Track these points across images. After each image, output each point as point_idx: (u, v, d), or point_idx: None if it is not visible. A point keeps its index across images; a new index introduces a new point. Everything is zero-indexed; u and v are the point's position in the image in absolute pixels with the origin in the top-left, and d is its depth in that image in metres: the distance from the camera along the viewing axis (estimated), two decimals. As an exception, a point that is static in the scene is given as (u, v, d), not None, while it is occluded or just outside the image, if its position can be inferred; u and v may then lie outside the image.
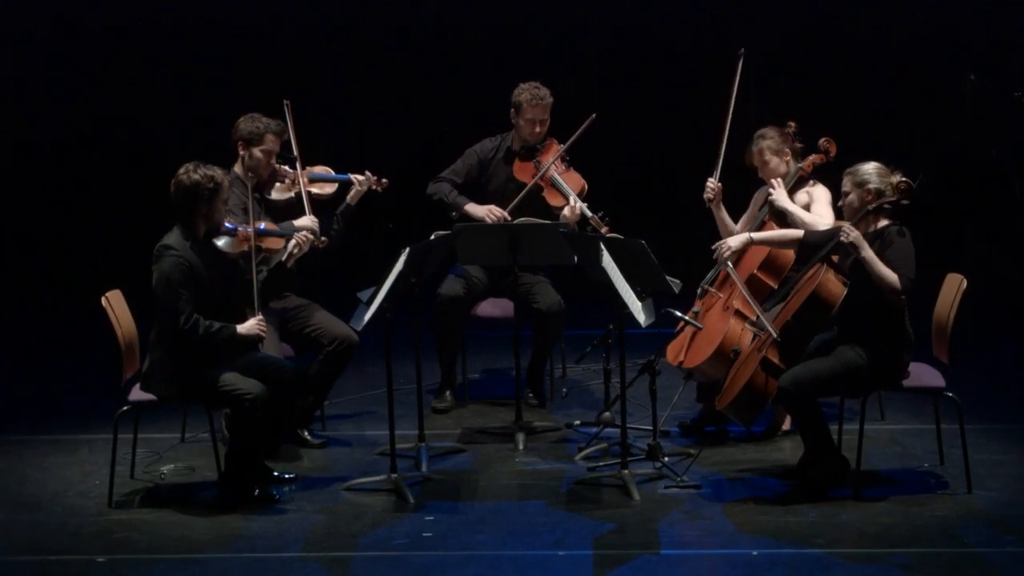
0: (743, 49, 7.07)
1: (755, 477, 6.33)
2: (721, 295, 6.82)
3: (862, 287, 5.96)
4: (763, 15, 10.03)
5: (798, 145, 6.89)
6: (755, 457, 6.60)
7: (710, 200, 6.95)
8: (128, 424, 6.36)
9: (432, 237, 6.64)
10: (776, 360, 6.09)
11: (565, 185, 7.31)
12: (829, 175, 6.64)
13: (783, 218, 6.74)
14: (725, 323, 6.62)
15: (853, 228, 5.96)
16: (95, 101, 10.17)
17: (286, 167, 6.93)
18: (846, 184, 6.10)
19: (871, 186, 6.03)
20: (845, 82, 9.97)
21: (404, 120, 10.11)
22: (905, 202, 6.04)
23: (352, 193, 6.99)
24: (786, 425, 6.85)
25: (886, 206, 6.04)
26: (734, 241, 6.55)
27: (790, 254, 6.60)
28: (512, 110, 7.43)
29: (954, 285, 6.21)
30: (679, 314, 6.41)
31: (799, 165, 6.84)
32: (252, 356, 6.21)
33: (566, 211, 7.23)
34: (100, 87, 10.17)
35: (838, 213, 6.41)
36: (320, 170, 7.05)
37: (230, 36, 10.15)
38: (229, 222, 6.33)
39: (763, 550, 5.53)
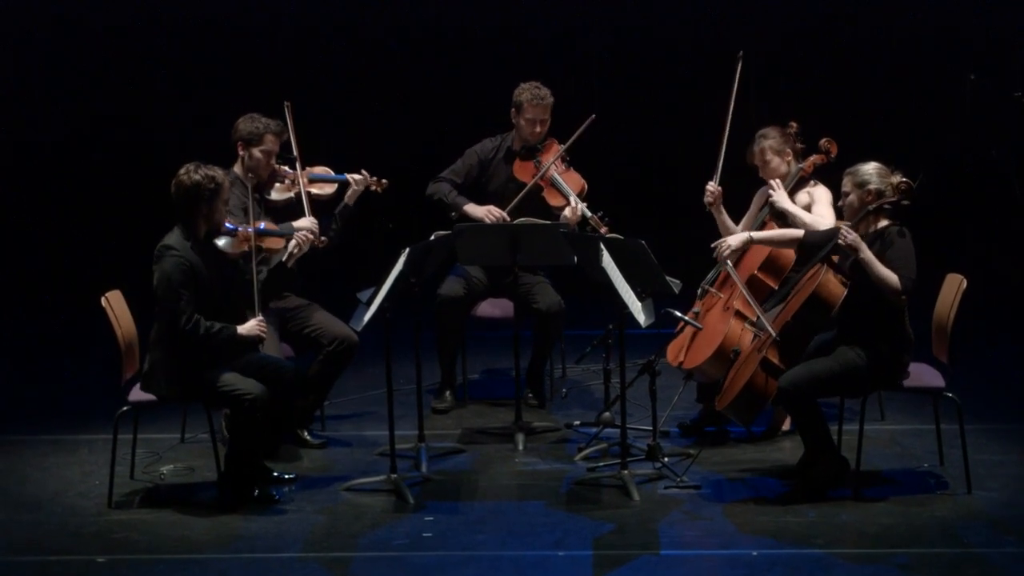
0: (742, 52, 7.07)
1: (755, 477, 6.33)
2: (721, 295, 6.82)
3: (862, 287, 5.96)
4: (763, 15, 10.03)
5: (799, 146, 6.89)
6: (755, 457, 6.60)
7: (710, 204, 6.95)
8: (128, 424, 6.36)
9: (432, 237, 6.64)
10: (776, 360, 6.09)
11: (565, 185, 7.31)
12: (829, 175, 6.64)
13: (784, 218, 6.74)
14: (725, 323, 6.62)
15: (851, 230, 5.95)
16: (95, 101, 10.17)
17: (286, 167, 6.93)
18: (846, 184, 6.09)
19: (871, 186, 6.02)
20: (845, 82, 9.97)
21: (404, 120, 10.11)
22: (905, 202, 6.04)
23: (349, 193, 6.99)
24: (786, 425, 6.85)
25: (886, 206, 6.04)
26: (734, 240, 6.55)
27: (790, 255, 6.60)
28: (512, 110, 7.43)
29: (954, 285, 6.21)
30: (679, 314, 6.42)
31: (800, 166, 6.84)
32: (252, 356, 6.21)
33: (566, 211, 7.23)
34: (100, 87, 10.17)
35: (838, 213, 6.40)
36: (320, 170, 7.05)
37: (230, 36, 10.15)
38: (229, 222, 6.33)
39: (763, 550, 5.53)
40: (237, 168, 6.84)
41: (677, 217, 8.75)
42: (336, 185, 7.02)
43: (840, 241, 5.93)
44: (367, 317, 6.15)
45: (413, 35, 10.23)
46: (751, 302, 6.40)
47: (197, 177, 6.05)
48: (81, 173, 10.16)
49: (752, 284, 6.59)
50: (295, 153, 6.93)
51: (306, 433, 6.89)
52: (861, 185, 6.04)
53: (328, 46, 10.24)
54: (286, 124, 6.93)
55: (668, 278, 6.19)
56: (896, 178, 6.05)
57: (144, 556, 5.62)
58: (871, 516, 5.84)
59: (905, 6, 9.99)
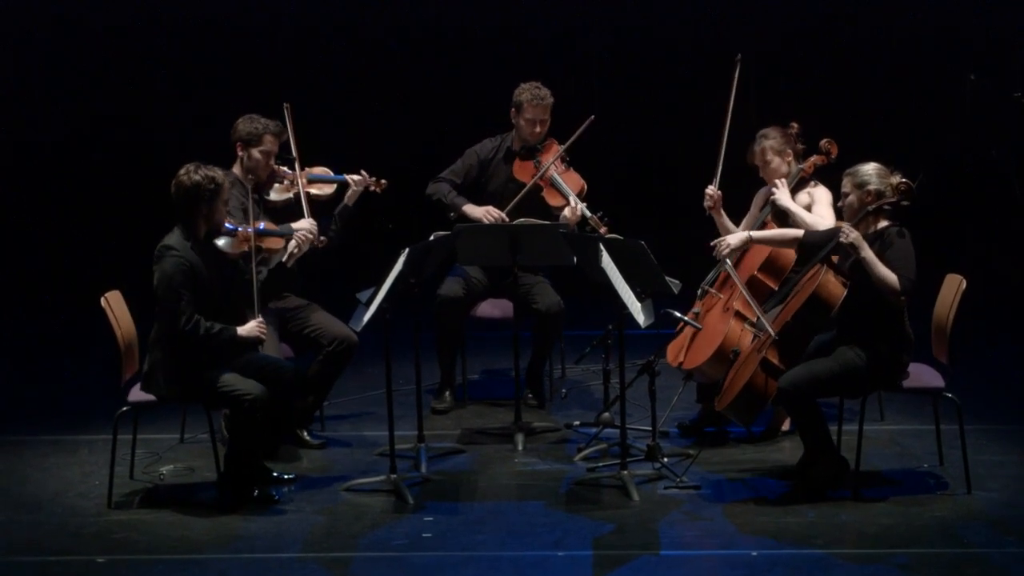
0: (740, 55, 7.06)
1: (755, 478, 6.33)
2: (721, 296, 6.82)
3: (862, 288, 5.96)
4: (763, 15, 10.03)
5: (800, 146, 6.88)
6: (755, 458, 6.60)
7: (710, 208, 6.95)
8: (128, 424, 6.36)
9: (432, 238, 6.64)
10: (776, 361, 6.09)
11: (565, 185, 7.31)
12: (830, 176, 6.64)
13: (785, 218, 6.74)
14: (725, 324, 6.62)
15: (853, 229, 5.95)
16: (95, 101, 10.17)
17: (285, 168, 6.93)
18: (846, 185, 6.09)
19: (871, 187, 6.02)
20: (845, 82, 9.97)
21: (404, 120, 10.12)
22: (905, 203, 6.04)
23: (349, 193, 6.99)
24: (785, 426, 6.85)
25: (886, 207, 6.04)
26: (733, 239, 6.55)
27: (791, 255, 6.60)
28: (512, 110, 7.43)
29: (954, 285, 6.21)
30: (678, 315, 6.42)
31: (800, 166, 6.84)
32: (252, 356, 6.21)
33: (566, 211, 7.23)
34: (100, 87, 10.17)
35: (838, 214, 6.40)
36: (319, 171, 7.04)
37: (230, 36, 10.15)
38: (229, 222, 6.33)
39: (763, 551, 5.53)
40: (236, 169, 6.84)
41: (677, 217, 8.76)
42: (335, 186, 7.02)
43: (842, 239, 5.93)
44: (367, 317, 6.15)
45: (413, 35, 10.23)
46: (751, 303, 6.40)
47: (197, 177, 6.05)
48: (81, 173, 10.16)
49: (752, 285, 6.59)
50: (294, 154, 6.93)
51: (306, 433, 6.88)
52: (861, 186, 6.04)
53: (328, 46, 10.24)
54: (286, 125, 6.93)
55: (668, 278, 6.19)
56: (896, 179, 6.05)
57: (144, 556, 5.62)
58: (871, 516, 5.84)
59: (905, 6, 10.00)
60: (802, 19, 10.09)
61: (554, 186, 7.34)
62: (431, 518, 5.95)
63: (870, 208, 6.02)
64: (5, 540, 5.83)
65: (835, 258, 6.12)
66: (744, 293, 6.49)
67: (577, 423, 7.09)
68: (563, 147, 7.39)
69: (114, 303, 6.34)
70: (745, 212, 7.06)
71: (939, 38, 9.95)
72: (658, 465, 6.36)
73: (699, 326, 6.60)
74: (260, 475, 6.24)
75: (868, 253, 5.89)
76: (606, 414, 6.61)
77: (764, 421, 6.80)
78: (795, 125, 6.89)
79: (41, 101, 10.19)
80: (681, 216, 7.96)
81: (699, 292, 6.92)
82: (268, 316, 6.56)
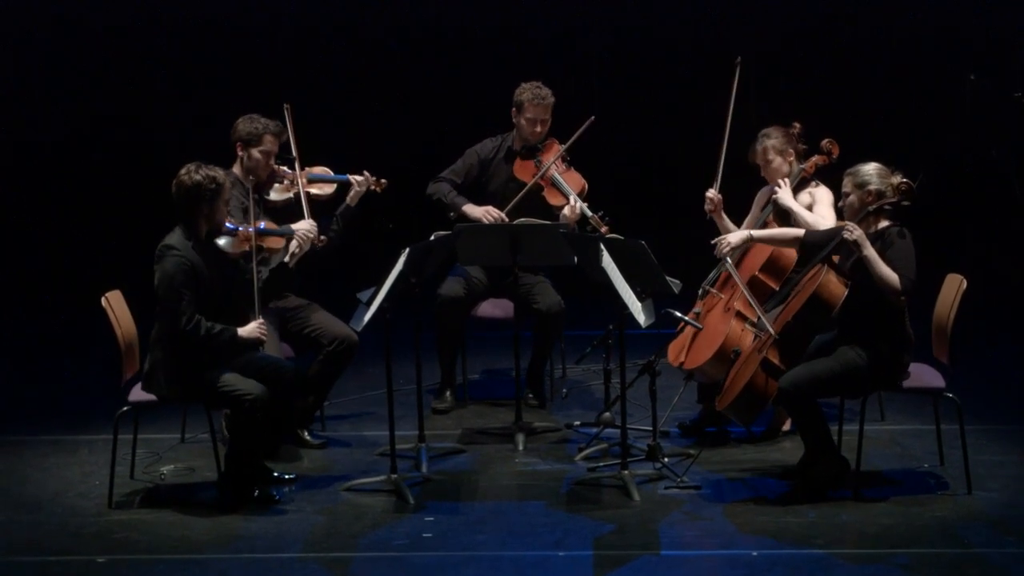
0: (740, 58, 7.05)
1: (755, 478, 6.33)
2: (722, 296, 6.82)
3: (863, 288, 5.96)
4: (763, 15, 10.03)
5: (801, 146, 6.88)
6: (755, 458, 6.60)
7: (711, 211, 6.94)
8: (128, 424, 6.36)
9: (432, 237, 6.64)
10: (776, 361, 6.09)
11: (565, 184, 7.31)
12: (831, 176, 6.64)
13: (786, 218, 6.74)
14: (726, 324, 6.62)
15: (857, 227, 5.95)
16: (95, 101, 10.17)
17: (285, 168, 6.93)
18: (846, 185, 6.09)
19: (871, 187, 6.02)
20: (845, 82, 9.97)
21: (404, 120, 10.12)
22: (906, 203, 6.04)
23: (352, 194, 6.99)
24: (786, 426, 6.85)
25: (886, 207, 6.04)
26: (734, 237, 6.55)
27: (792, 255, 6.60)
28: (513, 109, 7.43)
29: (954, 285, 6.21)
30: (679, 315, 6.42)
31: (801, 166, 6.83)
32: (252, 356, 6.20)
33: (566, 210, 7.23)
34: (100, 87, 10.17)
35: (839, 214, 6.40)
36: (319, 171, 7.04)
37: (230, 36, 10.15)
38: (230, 222, 6.33)
39: (763, 551, 5.53)
40: (236, 169, 6.83)
41: (677, 217, 8.75)
42: (336, 185, 7.02)
43: (846, 235, 5.92)
44: (367, 317, 6.14)
45: (413, 35, 10.23)
46: (752, 303, 6.40)
47: (198, 177, 6.05)
48: (81, 173, 10.16)
49: (753, 285, 6.59)
50: (294, 154, 6.93)
51: (306, 433, 6.88)
52: (861, 186, 6.04)
53: (328, 46, 10.24)
54: (286, 125, 6.93)
55: (668, 278, 6.19)
56: (896, 179, 6.05)
57: (144, 556, 5.62)
58: (871, 516, 5.84)
59: (905, 6, 10.00)
60: (802, 19, 10.09)
61: (555, 186, 7.34)
62: (432, 518, 5.95)
63: (871, 208, 6.02)
64: (5, 540, 5.83)
65: (836, 258, 6.12)
66: (745, 293, 6.49)
67: (578, 423, 7.09)
68: (564, 147, 7.40)
69: (114, 303, 6.34)
70: (746, 212, 7.06)
71: (939, 38, 9.95)
72: (659, 465, 6.36)
73: (700, 326, 6.60)
74: (261, 475, 6.24)
75: (870, 251, 5.89)
76: (607, 414, 6.61)
77: (765, 421, 6.80)
78: (797, 125, 6.88)
79: (41, 101, 10.19)
80: (681, 216, 7.96)
81: (700, 292, 6.92)
82: (268, 316, 6.57)
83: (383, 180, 7.04)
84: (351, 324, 6.33)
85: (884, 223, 6.05)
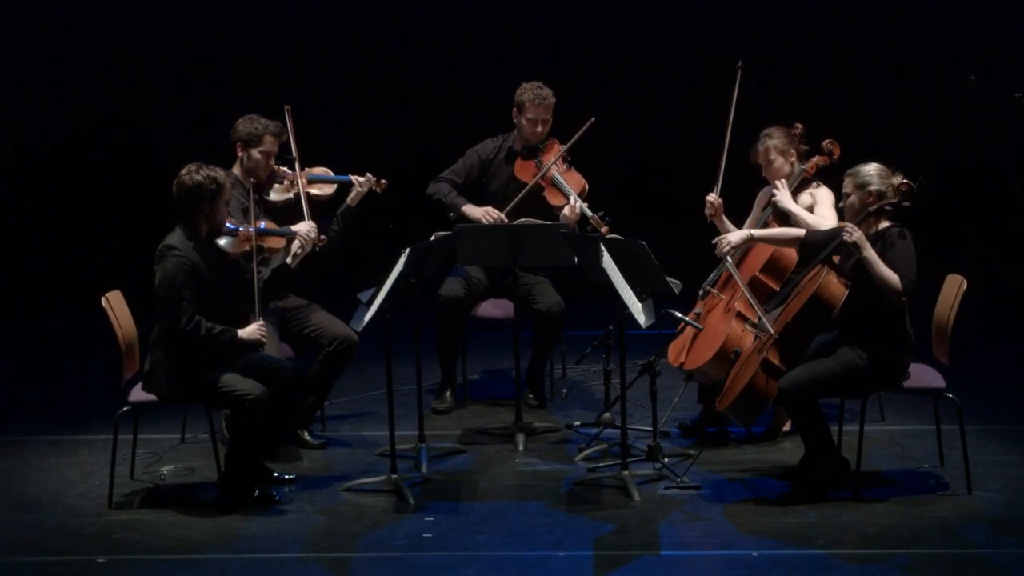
0: (741, 62, 7.04)
1: (755, 478, 6.33)
2: (723, 296, 6.82)
3: (863, 289, 5.95)
4: (763, 15, 10.04)
5: (803, 147, 6.88)
6: (755, 458, 6.60)
7: (711, 215, 6.94)
8: (128, 425, 6.36)
9: (432, 238, 6.64)
10: (777, 361, 6.08)
11: (566, 185, 7.31)
12: (832, 176, 6.64)
13: (787, 219, 6.73)
14: (727, 325, 6.62)
15: (856, 228, 5.95)
16: (95, 101, 10.17)
17: (285, 168, 6.93)
18: (847, 185, 6.09)
19: (872, 188, 6.02)
20: (845, 82, 9.97)
21: (404, 120, 10.12)
22: (906, 204, 6.04)
23: (352, 195, 6.99)
24: (786, 426, 6.85)
25: (887, 208, 6.04)
26: (734, 236, 6.56)
27: (792, 256, 6.61)
28: (514, 109, 7.43)
29: (954, 286, 6.21)
30: (679, 315, 6.42)
31: (802, 167, 6.83)
32: (252, 357, 6.20)
33: (566, 210, 7.23)
34: (100, 87, 10.17)
35: (840, 215, 6.40)
36: (319, 171, 7.04)
37: (230, 36, 10.15)
38: (231, 222, 6.33)
39: (763, 551, 5.53)
40: (236, 169, 6.83)
41: (677, 217, 8.75)
42: (336, 186, 7.02)
43: (845, 237, 5.92)
44: (367, 317, 6.15)
45: (413, 35, 10.23)
46: (752, 303, 6.40)
47: (199, 178, 6.05)
48: (81, 173, 10.16)
49: (754, 285, 6.59)
50: (294, 154, 6.93)
51: (306, 433, 6.88)
52: (862, 186, 6.04)
53: (328, 46, 10.24)
54: (286, 126, 6.93)
55: (668, 279, 6.19)
56: (897, 179, 6.05)
57: (144, 556, 5.62)
58: (871, 517, 5.84)
59: (905, 6, 10.00)
60: (802, 19, 10.09)
61: (555, 186, 7.34)
62: (432, 518, 5.95)
63: (871, 209, 6.02)
64: (5, 540, 5.83)
65: (836, 259, 6.12)
66: (746, 293, 6.49)
67: (578, 423, 7.09)
68: (564, 147, 7.40)
69: (115, 303, 6.34)
70: (747, 214, 7.05)
71: (939, 38, 9.95)
72: (659, 465, 6.36)
73: (700, 327, 6.60)
74: (261, 475, 6.24)
75: (870, 253, 5.89)
76: (607, 414, 6.61)
77: (765, 421, 6.80)
78: (799, 125, 6.88)
79: (41, 101, 10.19)
80: (681, 216, 7.96)
81: (700, 292, 6.92)
82: (268, 316, 6.57)
83: (383, 180, 7.04)
84: (351, 324, 6.33)
85: (885, 223, 6.05)
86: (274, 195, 6.89)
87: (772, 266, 6.66)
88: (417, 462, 6.51)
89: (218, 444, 6.30)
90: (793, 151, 6.86)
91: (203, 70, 10.12)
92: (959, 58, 9.68)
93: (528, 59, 9.73)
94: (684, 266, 6.62)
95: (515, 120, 7.45)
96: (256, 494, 6.12)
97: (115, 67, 10.17)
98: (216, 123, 7.28)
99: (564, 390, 7.68)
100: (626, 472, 6.20)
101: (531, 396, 7.47)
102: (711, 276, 6.92)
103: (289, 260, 6.67)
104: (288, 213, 6.86)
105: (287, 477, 6.39)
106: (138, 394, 6.23)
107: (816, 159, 6.82)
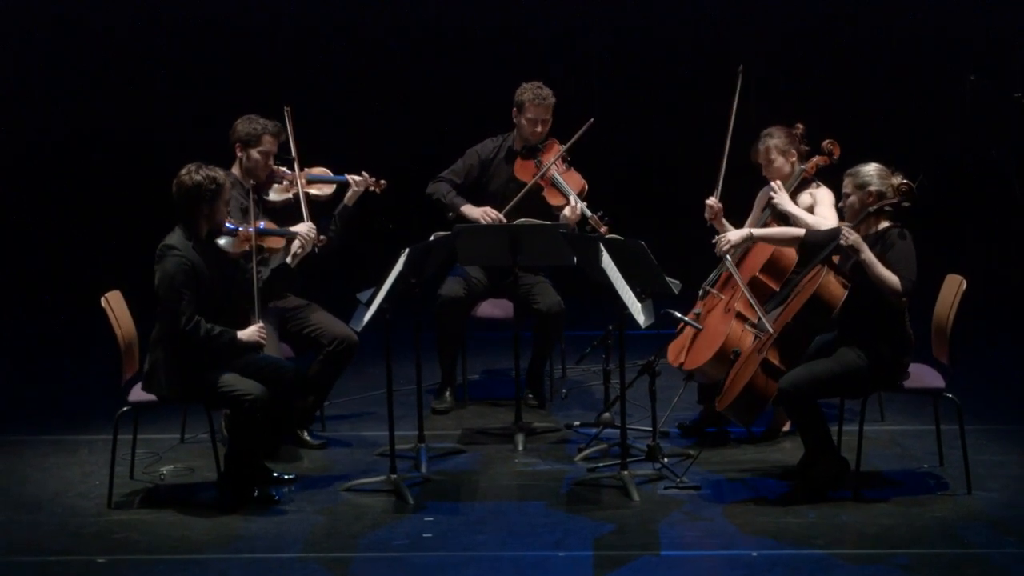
0: (742, 66, 7.04)
1: (755, 478, 6.32)
2: (723, 296, 6.82)
3: (863, 289, 5.95)
4: (763, 15, 10.04)
5: (804, 147, 6.88)
6: (755, 458, 6.60)
7: (711, 219, 6.93)
8: (128, 425, 6.36)
9: (432, 238, 6.64)
10: (776, 362, 6.08)
11: (566, 185, 7.31)
12: (831, 177, 6.64)
13: (786, 220, 6.73)
14: (726, 325, 6.62)
15: (852, 231, 5.95)
16: (95, 101, 10.17)
17: (284, 168, 6.93)
18: (847, 185, 6.09)
19: (872, 188, 6.02)
20: (845, 82, 9.97)
21: (404, 120, 10.12)
22: (906, 204, 6.03)
23: (349, 194, 6.99)
24: (786, 427, 6.84)
25: (887, 208, 6.04)
26: (734, 235, 6.56)
27: (792, 256, 6.61)
28: (514, 109, 7.43)
29: (954, 286, 6.21)
30: (679, 315, 6.42)
31: (802, 167, 6.83)
32: (252, 357, 6.20)
33: (566, 211, 7.23)
34: (100, 87, 10.17)
35: (840, 215, 6.40)
36: (318, 171, 7.04)
37: (230, 36, 10.15)
38: (230, 222, 6.33)
39: (763, 551, 5.53)
40: (235, 169, 6.83)
41: (677, 217, 8.75)
42: (335, 186, 7.02)
43: (842, 241, 5.93)
44: (367, 317, 6.15)
45: (413, 35, 10.23)
46: (752, 303, 6.39)
47: (199, 178, 6.05)
48: (81, 173, 10.16)
49: (753, 285, 6.59)
50: (293, 154, 6.93)
51: (306, 433, 6.88)
52: (862, 186, 6.04)
53: (328, 46, 10.24)
54: (286, 127, 6.93)
55: (668, 279, 6.19)
56: (897, 179, 6.04)
57: (144, 556, 5.62)
58: (871, 517, 5.84)
59: (905, 6, 10.00)
60: (802, 19, 10.09)
61: (555, 186, 7.34)
62: (431, 518, 5.95)
63: (871, 209, 6.02)
64: (5, 540, 5.83)
65: (836, 259, 6.12)
66: (746, 293, 6.49)
67: (577, 423, 7.09)
68: (564, 147, 7.40)
69: (114, 303, 6.34)
70: (747, 215, 7.05)
71: (939, 38, 9.95)
72: (658, 465, 6.36)
73: (700, 327, 6.60)
74: (260, 475, 6.24)
75: (868, 255, 5.89)
76: (606, 414, 6.61)
77: (765, 422, 6.80)
78: (800, 126, 6.88)
79: (41, 101, 10.19)
80: (681, 216, 7.96)
81: (700, 292, 6.92)
82: (268, 316, 6.57)
83: (383, 181, 7.04)
84: (351, 324, 6.33)
85: (885, 224, 6.05)
86: (273, 195, 6.90)
87: (772, 266, 6.66)
88: (417, 462, 6.51)
89: (218, 444, 6.30)
90: (794, 151, 6.86)
91: (203, 70, 10.12)
92: (959, 58, 9.68)
93: (528, 59, 9.73)
94: (684, 266, 6.62)
95: (515, 120, 7.45)
96: (256, 494, 6.12)
97: (115, 67, 10.17)
98: (216, 123, 7.28)
99: (564, 390, 7.68)
100: (626, 472, 6.20)
101: (531, 396, 7.47)
102: (711, 276, 6.92)
103: (289, 260, 6.67)
104: (287, 213, 6.86)
105: (287, 477, 6.39)
106: (138, 394, 6.23)
107: (816, 159, 6.82)
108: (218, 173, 6.12)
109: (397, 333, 6.25)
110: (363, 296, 6.21)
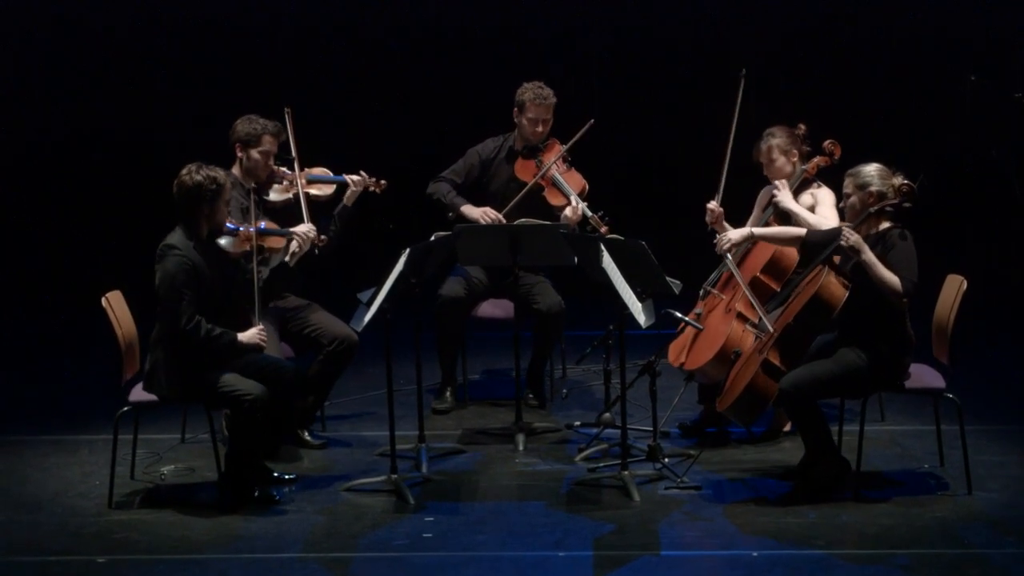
0: (744, 70, 7.03)
1: (755, 478, 6.33)
2: (723, 297, 6.82)
3: (863, 289, 5.95)
4: (763, 15, 10.04)
5: (806, 147, 6.88)
6: (756, 458, 6.60)
7: (712, 223, 6.93)
8: (128, 425, 6.36)
9: (432, 238, 6.64)
10: (777, 362, 6.08)
11: (566, 185, 7.31)
12: (832, 177, 6.64)
13: (787, 219, 6.73)
14: (727, 325, 6.62)
15: (853, 231, 5.95)
16: (95, 101, 10.17)
17: (284, 168, 6.93)
18: (847, 186, 6.09)
19: (873, 188, 6.02)
20: (845, 82, 9.97)
21: (404, 120, 10.12)
22: (907, 204, 6.03)
23: (348, 194, 6.98)
24: (787, 427, 6.84)
25: (888, 208, 6.03)
26: (735, 234, 6.56)
27: (793, 256, 6.61)
28: (515, 109, 7.43)
29: (954, 286, 6.21)
30: (679, 315, 6.42)
31: (803, 168, 6.83)
32: (252, 357, 6.20)
33: (567, 211, 7.23)
34: (100, 87, 10.17)
35: (841, 215, 6.40)
36: (318, 171, 7.04)
37: (230, 36, 10.15)
38: (231, 222, 6.33)
39: (763, 551, 5.53)
40: (235, 169, 6.83)
41: (677, 217, 8.75)
42: (335, 186, 7.02)
43: (842, 242, 5.93)
44: (367, 317, 6.15)
45: (413, 35, 10.23)
46: (753, 303, 6.39)
47: (199, 178, 6.05)
48: (81, 173, 10.16)
49: (754, 286, 6.59)
50: (293, 154, 6.92)
51: (306, 433, 6.88)
52: (863, 187, 6.04)
53: (328, 46, 10.24)
54: (286, 127, 6.93)
55: (668, 279, 6.19)
56: (898, 180, 6.04)
57: (144, 556, 5.62)
58: (872, 517, 5.84)
59: (905, 6, 10.00)
60: (802, 19, 10.09)
61: (556, 186, 7.34)
62: (432, 518, 5.95)
63: (872, 209, 6.01)
64: (5, 540, 5.83)
65: (837, 259, 6.12)
66: (747, 293, 6.49)
67: (578, 423, 7.09)
68: (565, 147, 7.40)
69: (115, 303, 6.34)
70: (747, 216, 7.05)
71: (939, 38, 9.95)
72: (659, 465, 6.36)
73: (700, 327, 6.60)
74: (261, 475, 6.25)
75: (869, 255, 5.89)
76: (607, 414, 6.61)
77: (765, 422, 6.80)
78: (802, 126, 6.88)
79: (41, 101, 10.19)
80: (681, 216, 7.96)
81: (701, 292, 6.92)
82: (268, 316, 6.57)
83: (383, 181, 7.04)
84: (351, 324, 6.33)
85: (885, 224, 6.05)
86: (273, 195, 6.89)
87: (773, 266, 6.66)
88: (417, 462, 6.51)
89: (218, 444, 6.30)
90: (796, 151, 6.86)
91: (203, 70, 10.12)
92: (959, 58, 9.68)
93: (528, 59, 9.73)
94: (684, 266, 6.62)
95: (516, 120, 7.45)
96: (256, 494, 6.12)
97: (115, 67, 10.17)
98: (216, 123, 7.28)
99: (564, 390, 7.68)
100: (626, 472, 6.20)
101: (531, 396, 7.47)
102: (711, 276, 6.92)
103: (287, 259, 6.67)
104: (287, 213, 6.86)
105: (287, 477, 6.40)
106: (138, 394, 6.23)
107: (817, 159, 6.82)
108: (218, 173, 6.12)
109: (397, 333, 6.25)
110: (363, 296, 6.21)
